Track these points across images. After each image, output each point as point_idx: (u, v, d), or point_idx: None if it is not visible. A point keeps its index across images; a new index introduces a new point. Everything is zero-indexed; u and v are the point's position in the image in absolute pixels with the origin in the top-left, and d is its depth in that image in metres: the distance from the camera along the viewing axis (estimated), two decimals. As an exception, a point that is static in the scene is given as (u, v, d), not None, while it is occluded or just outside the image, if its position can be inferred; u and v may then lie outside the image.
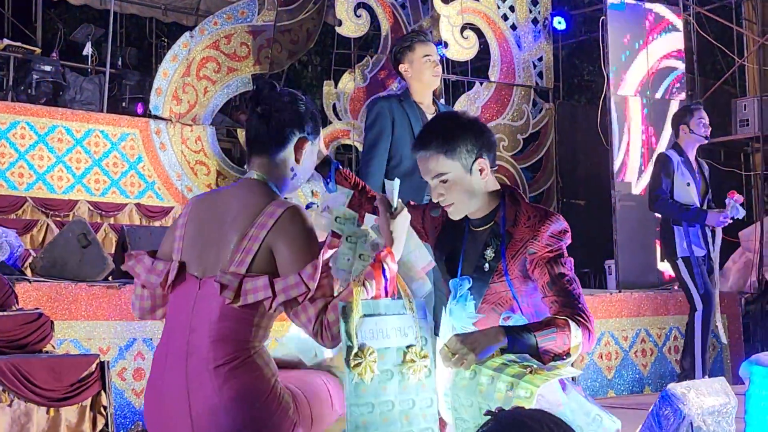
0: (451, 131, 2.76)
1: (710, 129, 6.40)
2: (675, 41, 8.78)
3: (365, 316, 2.39)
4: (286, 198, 2.60)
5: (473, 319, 2.64)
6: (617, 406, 6.10)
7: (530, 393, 2.24)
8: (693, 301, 6.29)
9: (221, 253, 2.45)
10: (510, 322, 2.61)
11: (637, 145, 8.40)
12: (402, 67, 4.76)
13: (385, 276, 2.45)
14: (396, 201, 2.64)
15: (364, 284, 2.42)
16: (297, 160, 2.64)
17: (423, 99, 4.74)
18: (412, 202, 3.05)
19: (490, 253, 2.75)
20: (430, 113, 4.68)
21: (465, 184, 2.75)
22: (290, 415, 2.42)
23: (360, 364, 2.36)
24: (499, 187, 2.83)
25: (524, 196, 2.86)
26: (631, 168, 8.34)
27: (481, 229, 2.82)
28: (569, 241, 2.73)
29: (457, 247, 2.85)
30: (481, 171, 2.74)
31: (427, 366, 2.49)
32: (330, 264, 2.47)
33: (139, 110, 10.63)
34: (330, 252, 2.48)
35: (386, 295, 2.47)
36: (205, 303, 2.42)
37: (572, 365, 2.50)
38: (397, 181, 2.67)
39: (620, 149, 8.29)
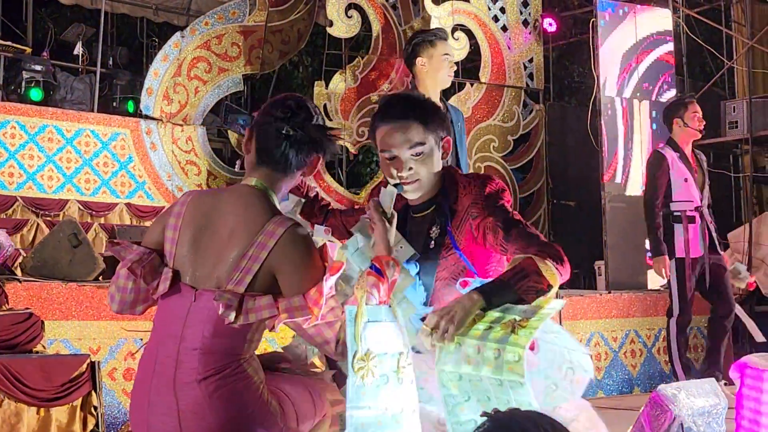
0: (427, 105, 2.78)
1: (704, 123, 6.34)
2: (665, 43, 8.82)
3: (369, 321, 2.42)
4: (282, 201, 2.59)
5: (423, 300, 2.68)
6: (607, 406, 6.12)
7: (518, 356, 2.24)
8: (671, 305, 6.28)
9: (218, 267, 2.43)
10: (470, 287, 2.57)
11: (625, 147, 8.43)
12: (419, 61, 4.69)
13: (388, 283, 2.49)
14: (390, 208, 2.65)
15: (370, 291, 2.44)
16: (305, 174, 2.65)
17: (432, 96, 4.59)
18: (357, 205, 3.06)
19: (435, 230, 2.73)
20: None
21: (434, 161, 2.74)
22: (278, 421, 2.44)
23: (363, 367, 2.40)
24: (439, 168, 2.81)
25: (459, 171, 2.85)
26: (620, 169, 8.38)
27: (421, 214, 2.80)
28: (509, 200, 2.72)
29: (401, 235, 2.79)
30: (444, 151, 2.76)
31: (413, 371, 2.52)
32: (335, 286, 2.47)
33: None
34: (333, 278, 2.45)
35: (387, 301, 2.50)
36: (199, 316, 2.40)
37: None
38: (394, 189, 2.68)
39: (610, 151, 8.32)
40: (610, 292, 7.54)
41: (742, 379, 3.14)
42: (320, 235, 2.73)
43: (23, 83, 9.76)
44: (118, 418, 5.13)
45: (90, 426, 4.51)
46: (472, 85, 9.63)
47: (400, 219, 2.77)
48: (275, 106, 2.59)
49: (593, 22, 8.50)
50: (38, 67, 9.89)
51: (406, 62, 4.85)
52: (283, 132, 2.53)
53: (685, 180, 6.20)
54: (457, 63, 9.75)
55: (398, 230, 2.75)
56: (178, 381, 2.38)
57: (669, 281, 6.31)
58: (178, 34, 10.34)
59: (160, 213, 2.69)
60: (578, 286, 9.64)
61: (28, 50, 10.34)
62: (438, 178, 2.77)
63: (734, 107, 9.41)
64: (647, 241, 6.51)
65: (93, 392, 4.51)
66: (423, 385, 2.60)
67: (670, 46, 8.87)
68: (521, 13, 9.83)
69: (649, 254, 6.72)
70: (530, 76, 9.85)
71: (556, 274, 2.43)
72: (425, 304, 2.72)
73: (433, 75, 4.67)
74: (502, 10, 9.73)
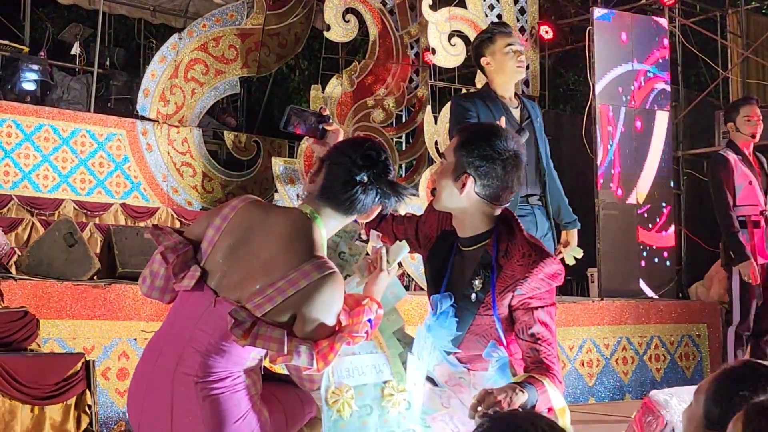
0: (483, 132, 2.67)
1: (760, 126, 5.99)
2: (661, 53, 8.87)
3: (340, 355, 2.43)
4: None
5: (451, 337, 2.67)
6: (598, 413, 6.16)
7: None
8: (731, 313, 6.06)
9: (244, 284, 2.42)
10: (495, 360, 2.62)
11: (618, 155, 8.47)
12: (484, 60, 4.51)
13: (369, 321, 2.47)
14: (396, 261, 2.66)
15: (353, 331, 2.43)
16: (359, 219, 2.64)
17: (505, 92, 4.49)
18: (408, 213, 3.04)
19: (478, 284, 2.66)
20: (513, 107, 4.45)
21: (448, 184, 2.67)
22: (267, 429, 2.46)
23: (338, 401, 2.44)
24: (495, 213, 2.71)
25: (521, 226, 2.72)
26: (613, 177, 8.42)
27: (468, 249, 2.73)
28: (561, 283, 2.66)
29: (444, 265, 2.78)
30: (462, 186, 2.64)
31: (406, 399, 2.55)
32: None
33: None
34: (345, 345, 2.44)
35: (367, 338, 2.50)
36: (212, 322, 2.41)
37: None
38: (407, 247, 2.68)
39: (604, 159, 8.36)
40: (602, 299, 7.56)
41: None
42: (374, 240, 2.72)
43: (20, 82, 9.78)
44: (112, 417, 5.13)
45: (84, 425, 4.52)
46: (468, 90, 9.66)
47: (449, 245, 2.78)
48: (355, 148, 2.56)
49: (589, 30, 8.54)
50: (35, 67, 9.91)
51: (477, 67, 4.65)
52: (357, 178, 2.52)
53: (750, 183, 5.93)
54: (453, 69, 9.82)
55: (442, 259, 2.77)
56: (177, 376, 2.40)
57: (728, 290, 6.09)
58: (175, 35, 10.38)
59: (213, 209, 2.66)
60: (571, 292, 9.68)
61: (26, 49, 10.36)
62: (479, 217, 2.69)
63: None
64: (721, 247, 6.14)
65: (87, 391, 4.51)
66: (430, 423, 2.61)
67: (666, 56, 8.91)
68: (518, 20, 9.85)
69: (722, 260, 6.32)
70: (526, 83, 9.87)
71: (564, 408, 2.49)
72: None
73: (501, 70, 4.48)
74: (499, 17, 9.75)
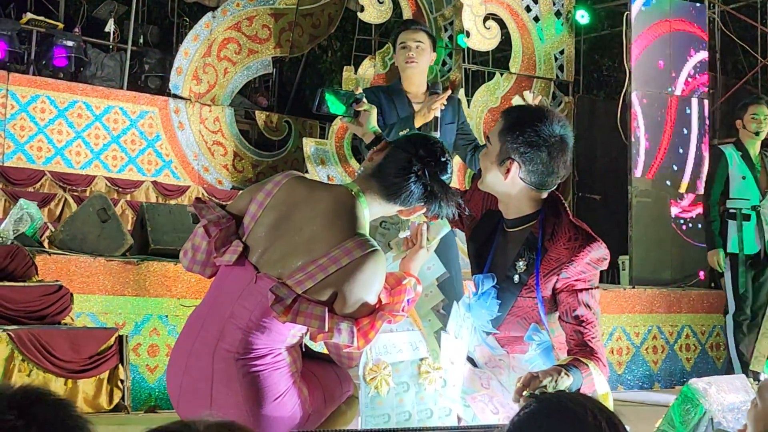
0: (528, 116, 2.61)
1: (765, 125, 6.27)
2: (699, 40, 8.75)
3: (379, 332, 2.43)
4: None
5: (492, 317, 2.65)
6: (627, 400, 6.12)
7: None
8: (726, 302, 6.27)
9: (286, 260, 2.41)
10: (537, 344, 2.60)
11: (654, 142, 8.38)
12: (394, 56, 4.79)
13: (408, 301, 2.47)
14: (435, 241, 2.65)
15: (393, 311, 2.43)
16: (400, 213, 2.61)
17: (410, 87, 4.65)
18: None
19: (522, 265, 2.63)
20: (417, 102, 4.59)
21: (493, 169, 2.62)
22: (306, 407, 2.46)
23: (375, 378, 2.44)
24: (542, 197, 2.66)
25: (567, 208, 2.68)
26: (647, 164, 8.33)
27: (513, 230, 2.69)
28: (605, 267, 2.63)
29: (487, 244, 2.76)
30: (507, 171, 2.58)
31: (442, 377, 2.54)
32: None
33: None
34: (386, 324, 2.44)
35: (405, 315, 2.49)
36: (254, 299, 2.40)
37: None
38: (447, 226, 2.67)
39: (638, 145, 8.27)
40: (633, 287, 7.50)
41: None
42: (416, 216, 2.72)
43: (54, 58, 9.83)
44: (142, 393, 5.16)
45: (116, 399, 4.55)
46: (501, 75, 9.60)
47: (493, 224, 2.75)
48: (422, 142, 2.57)
49: (627, 15, 8.44)
50: (70, 43, 9.95)
51: None
52: (414, 168, 2.51)
53: (743, 178, 6.23)
54: (486, 52, 9.74)
55: (485, 239, 2.75)
56: (218, 352, 2.39)
57: (724, 279, 6.31)
58: (209, 14, 10.38)
59: (256, 183, 2.65)
60: (601, 280, 9.54)
61: (60, 26, 10.40)
62: (525, 200, 2.65)
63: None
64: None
65: (120, 366, 4.54)
66: (470, 403, 2.59)
67: (704, 43, 8.79)
68: (554, 3, 9.76)
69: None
70: (560, 67, 9.79)
71: (608, 393, 2.45)
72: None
73: (398, 65, 4.72)
74: (535, 0, 9.68)
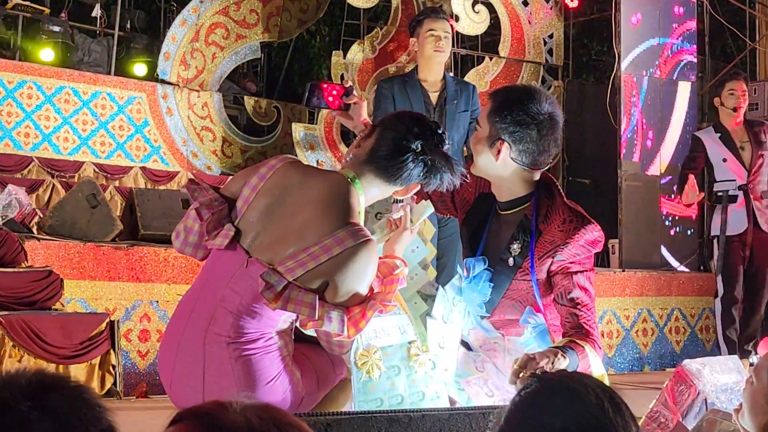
0: (516, 96, 2.60)
1: (744, 100, 6.23)
2: (688, 24, 8.76)
3: None
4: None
5: (484, 300, 2.64)
6: (617, 383, 6.13)
7: None
8: (716, 284, 6.21)
9: (277, 246, 2.39)
10: (532, 327, 2.59)
11: (642, 126, 8.39)
12: (411, 41, 4.80)
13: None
14: (419, 221, 2.66)
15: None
16: (398, 193, 2.59)
17: (428, 76, 4.70)
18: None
19: (516, 248, 2.61)
20: (433, 91, 4.65)
21: (484, 151, 2.61)
22: (298, 390, 2.46)
23: (366, 362, 2.44)
24: (534, 178, 2.65)
25: (560, 190, 2.68)
26: (636, 148, 8.33)
27: (507, 212, 2.68)
28: (600, 249, 2.63)
29: (481, 228, 2.75)
30: (497, 152, 2.57)
31: (431, 359, 2.54)
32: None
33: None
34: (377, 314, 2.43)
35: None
36: (244, 283, 2.38)
37: None
38: (431, 207, 2.68)
39: (627, 129, 8.28)
40: (623, 270, 7.53)
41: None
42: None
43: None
44: (133, 378, 5.15)
45: (108, 384, 4.55)
46: (491, 59, 9.58)
47: (487, 207, 2.74)
48: (412, 119, 2.54)
49: (616, -2, 8.43)
50: (56, 28, 9.87)
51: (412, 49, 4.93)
52: (411, 146, 2.48)
53: (724, 160, 6.17)
54: (476, 36, 9.72)
55: (479, 222, 2.74)
56: (209, 336, 2.39)
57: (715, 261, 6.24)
58: (196, -2, 10.30)
59: (250, 167, 2.62)
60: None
61: (47, 11, 10.31)
62: (518, 182, 2.64)
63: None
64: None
65: (112, 351, 4.53)
66: (464, 387, 2.59)
67: (693, 27, 8.80)
68: (543, -13, 9.74)
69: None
70: (550, 51, 9.78)
71: (604, 376, 2.45)
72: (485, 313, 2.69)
73: (421, 53, 4.71)
74: (524, -16, 9.66)
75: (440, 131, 2.54)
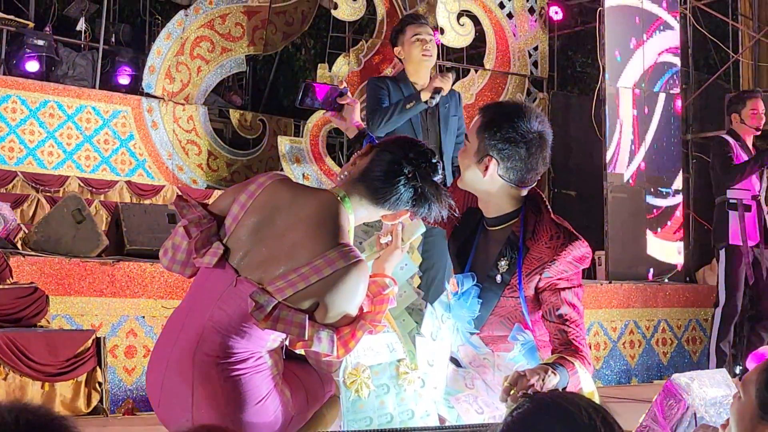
0: (506, 113, 2.58)
1: (764, 119, 6.19)
2: (671, 36, 8.81)
3: None
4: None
5: (473, 317, 2.63)
6: (604, 396, 6.13)
7: None
8: (717, 294, 6.16)
9: (267, 266, 2.37)
10: (521, 344, 2.58)
11: (627, 138, 8.42)
12: (396, 50, 4.80)
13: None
14: (410, 239, 2.65)
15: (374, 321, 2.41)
16: (385, 218, 2.57)
17: (418, 79, 4.73)
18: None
19: (504, 265, 2.60)
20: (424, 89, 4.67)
21: (471, 166, 2.60)
22: (288, 410, 2.44)
23: (355, 381, 2.43)
24: (522, 194, 2.64)
25: (548, 206, 2.66)
26: (622, 160, 8.36)
27: (494, 228, 2.67)
28: (588, 265, 2.61)
29: (468, 243, 2.73)
30: (485, 168, 2.55)
31: (420, 377, 2.53)
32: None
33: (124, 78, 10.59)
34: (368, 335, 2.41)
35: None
36: (233, 302, 2.36)
37: None
38: (422, 227, 2.66)
39: (612, 141, 8.31)
40: (610, 282, 7.54)
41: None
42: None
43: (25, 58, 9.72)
44: (120, 395, 5.12)
45: (94, 402, 4.51)
46: (476, 71, 9.61)
47: (474, 223, 2.73)
48: (410, 145, 2.52)
49: (600, 11, 8.47)
50: (41, 42, 9.84)
51: (396, 58, 4.95)
52: (405, 171, 2.46)
53: None
54: (461, 49, 9.75)
55: (466, 238, 2.72)
56: (198, 355, 2.36)
57: (718, 271, 6.20)
58: (181, 12, 10.31)
59: (239, 183, 2.59)
60: (578, 275, 9.64)
61: (31, 25, 10.28)
62: (505, 198, 2.62)
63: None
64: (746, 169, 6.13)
65: (98, 368, 4.50)
66: (454, 404, 2.58)
67: (677, 40, 8.85)
68: (527, 0, 9.79)
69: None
70: (534, 64, 9.82)
71: (593, 393, 2.45)
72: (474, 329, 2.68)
73: (409, 58, 4.73)
74: (508, -3, 9.70)
75: (435, 160, 2.52)
